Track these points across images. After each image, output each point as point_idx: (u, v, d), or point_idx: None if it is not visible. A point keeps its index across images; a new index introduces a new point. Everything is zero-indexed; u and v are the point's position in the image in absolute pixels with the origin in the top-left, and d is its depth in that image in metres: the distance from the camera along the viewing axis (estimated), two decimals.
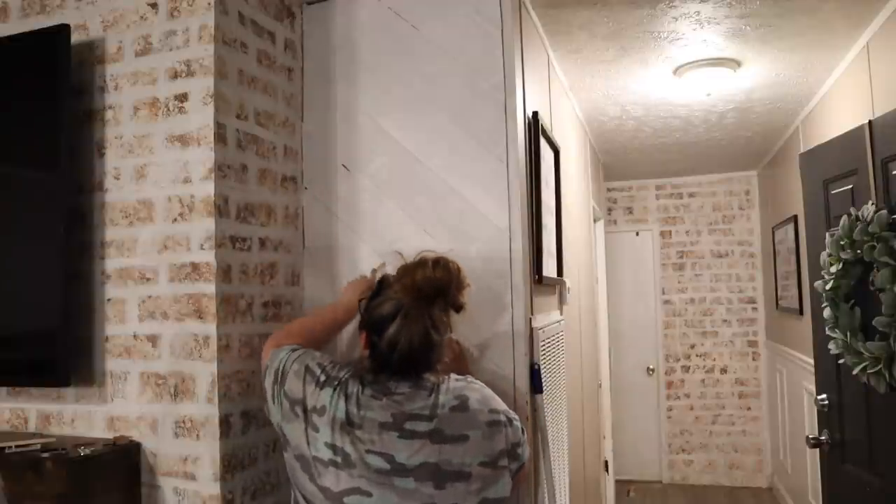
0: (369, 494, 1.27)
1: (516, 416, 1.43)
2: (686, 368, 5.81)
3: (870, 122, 2.29)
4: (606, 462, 4.45)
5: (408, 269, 1.39)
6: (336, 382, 1.36)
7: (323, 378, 1.37)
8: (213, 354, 1.66)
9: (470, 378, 1.46)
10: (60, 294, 1.72)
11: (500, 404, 1.42)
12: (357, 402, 1.32)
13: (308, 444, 1.33)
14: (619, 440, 5.41)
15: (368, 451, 1.28)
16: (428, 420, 1.30)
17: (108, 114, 1.81)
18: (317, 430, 1.32)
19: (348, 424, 1.30)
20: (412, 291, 1.33)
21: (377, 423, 1.30)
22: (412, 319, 1.31)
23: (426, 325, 1.32)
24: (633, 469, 5.78)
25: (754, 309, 5.69)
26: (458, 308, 1.39)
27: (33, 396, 1.85)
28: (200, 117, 1.71)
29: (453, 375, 1.42)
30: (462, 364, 1.69)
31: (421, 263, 1.39)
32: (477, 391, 1.40)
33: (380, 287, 1.40)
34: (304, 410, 1.35)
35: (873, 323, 1.99)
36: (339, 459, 1.29)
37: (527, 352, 1.85)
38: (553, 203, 2.52)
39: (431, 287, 1.34)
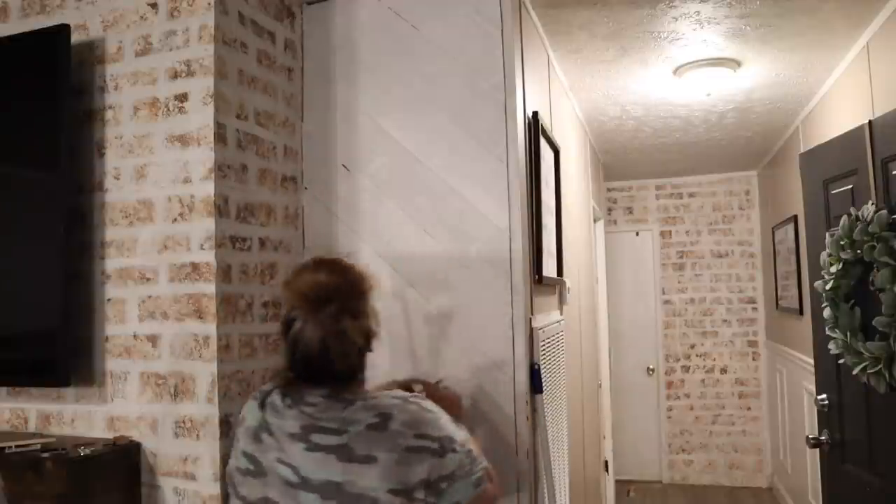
0: None
1: (464, 448, 1.26)
2: (686, 368, 5.80)
3: (870, 122, 2.29)
4: (606, 462, 4.45)
5: (295, 271, 1.33)
6: (258, 395, 1.33)
7: (250, 396, 1.36)
8: (213, 354, 1.66)
9: (415, 398, 1.31)
10: (60, 294, 1.72)
11: (441, 431, 1.25)
12: (274, 410, 1.28)
13: (232, 457, 1.32)
14: (619, 440, 5.41)
15: (279, 461, 1.24)
16: (336, 434, 1.22)
17: (108, 114, 1.81)
18: (238, 440, 1.31)
19: (263, 432, 1.27)
20: (297, 295, 1.27)
21: (287, 434, 1.24)
22: (308, 323, 1.24)
23: (322, 330, 1.23)
24: (633, 469, 5.77)
25: (754, 309, 5.69)
26: (356, 315, 1.27)
27: (33, 396, 1.85)
28: (200, 117, 1.71)
29: (393, 392, 1.34)
30: (455, 409, 1.59)
31: (306, 265, 1.33)
32: (411, 413, 1.25)
33: None
34: (235, 430, 1.34)
35: (873, 323, 1.99)
36: (252, 468, 1.26)
37: (527, 352, 1.85)
38: (553, 203, 2.52)
39: (313, 292, 1.25)
